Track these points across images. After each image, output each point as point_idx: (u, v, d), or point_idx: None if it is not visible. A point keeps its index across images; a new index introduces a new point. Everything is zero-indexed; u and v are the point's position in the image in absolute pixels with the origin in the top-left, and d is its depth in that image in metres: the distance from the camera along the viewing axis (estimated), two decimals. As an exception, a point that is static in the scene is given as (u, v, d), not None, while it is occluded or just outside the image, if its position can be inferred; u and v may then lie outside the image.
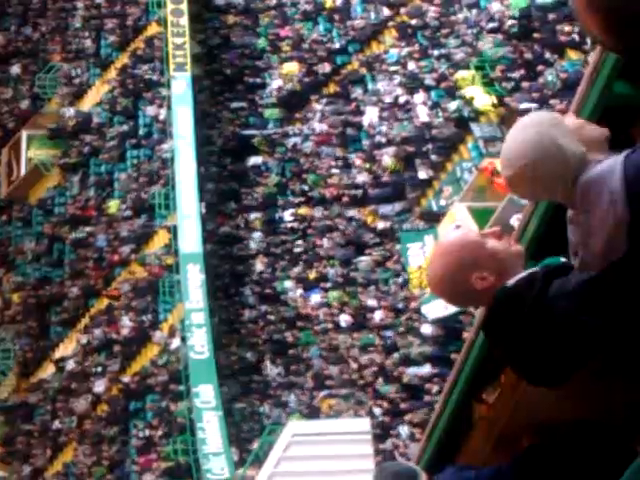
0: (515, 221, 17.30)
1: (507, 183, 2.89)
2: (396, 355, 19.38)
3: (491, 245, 2.86)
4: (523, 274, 2.86)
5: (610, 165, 2.69)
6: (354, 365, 19.97)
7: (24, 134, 27.67)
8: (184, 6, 26.16)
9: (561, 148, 2.75)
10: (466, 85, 20.64)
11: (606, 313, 2.69)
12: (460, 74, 20.83)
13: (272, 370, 21.21)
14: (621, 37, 2.41)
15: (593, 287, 2.70)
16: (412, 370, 18.89)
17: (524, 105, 19.57)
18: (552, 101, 19.42)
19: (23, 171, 27.36)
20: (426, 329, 19.15)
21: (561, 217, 2.87)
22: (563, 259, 2.98)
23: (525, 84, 20.16)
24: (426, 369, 18.75)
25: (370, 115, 22.49)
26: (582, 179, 2.72)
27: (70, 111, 27.18)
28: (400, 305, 19.97)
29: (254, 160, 24.15)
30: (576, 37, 19.92)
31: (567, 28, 19.99)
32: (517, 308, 2.78)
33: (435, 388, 18.00)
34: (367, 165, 21.96)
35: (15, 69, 29.49)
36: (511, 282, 2.84)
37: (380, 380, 19.39)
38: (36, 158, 27.21)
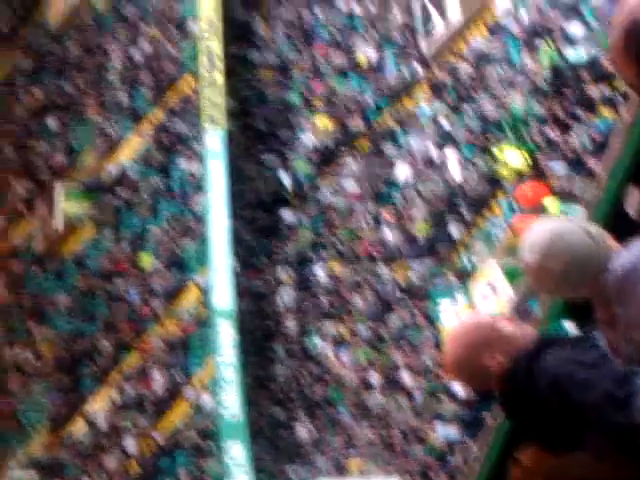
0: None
1: (532, 279, 2.99)
2: (426, 415, 19.19)
3: (504, 328, 2.94)
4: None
5: None
6: (383, 424, 19.79)
7: (59, 187, 27.91)
8: (218, 61, 26.37)
9: (588, 247, 2.78)
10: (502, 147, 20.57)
11: None
12: (499, 143, 20.70)
13: (301, 428, 21.08)
14: None
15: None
16: (442, 430, 18.70)
17: (555, 163, 19.50)
18: (584, 158, 19.32)
19: (57, 225, 27.56)
20: (457, 388, 18.97)
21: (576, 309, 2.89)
22: (567, 324, 3.04)
23: (557, 141, 20.07)
24: (456, 429, 18.55)
25: (402, 171, 22.48)
26: (613, 271, 2.69)
27: (107, 166, 27.44)
28: (430, 363, 19.80)
29: (286, 215, 24.19)
30: (609, 94, 19.84)
31: (599, 85, 19.92)
32: (512, 384, 2.87)
33: (466, 449, 17.79)
34: (398, 221, 21.91)
35: (51, 122, 29.84)
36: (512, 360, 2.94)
37: (409, 440, 19.20)
38: (70, 212, 27.40)
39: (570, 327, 3.02)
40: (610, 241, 2.86)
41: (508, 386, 2.88)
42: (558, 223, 2.99)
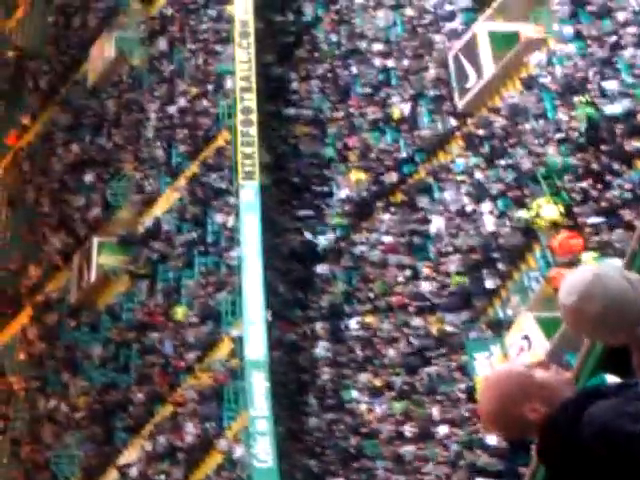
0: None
1: (569, 321, 2.97)
2: (462, 468, 19.01)
3: (540, 375, 2.88)
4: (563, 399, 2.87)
5: None
6: (419, 477, 19.61)
7: (95, 241, 28.15)
8: (254, 116, 26.63)
9: (627, 292, 2.79)
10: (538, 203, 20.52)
11: None
12: (534, 196, 20.66)
13: (336, 480, 20.92)
14: None
15: None
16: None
17: (592, 217, 19.47)
18: (620, 212, 19.29)
19: (93, 277, 27.75)
20: (492, 440, 18.80)
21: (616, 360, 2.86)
22: (609, 377, 2.97)
23: (592, 194, 20.06)
24: (492, 482, 18.36)
25: (437, 224, 22.52)
26: None
27: (142, 219, 27.68)
28: (466, 415, 19.66)
29: (321, 268, 24.23)
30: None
31: (635, 138, 19.94)
32: (555, 435, 2.79)
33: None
34: (433, 274, 21.90)
35: (88, 177, 30.17)
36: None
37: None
38: (106, 264, 27.60)
39: (611, 380, 2.97)
40: None
41: (548, 435, 2.81)
42: (597, 267, 3.01)
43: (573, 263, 18.72)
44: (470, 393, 20.02)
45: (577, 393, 2.86)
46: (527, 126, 22.00)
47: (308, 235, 24.62)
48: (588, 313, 2.84)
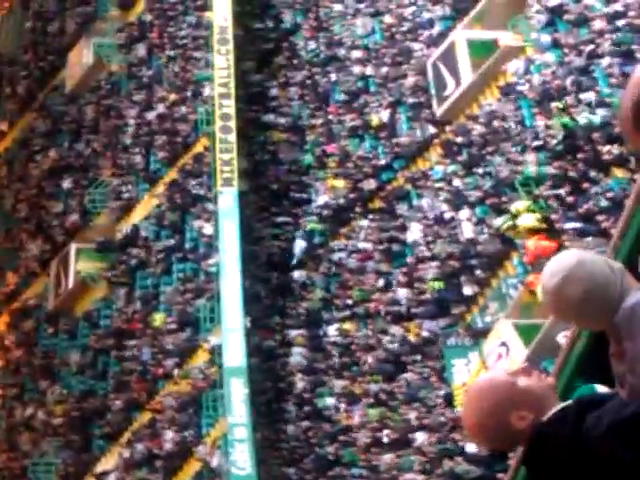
0: (562, 338, 17.13)
1: (550, 305, 2.94)
2: (439, 474, 19.04)
3: (523, 383, 2.85)
4: (556, 409, 2.84)
5: None
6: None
7: (73, 247, 28.06)
8: (232, 123, 26.64)
9: (609, 278, 2.78)
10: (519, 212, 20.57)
11: None
12: (516, 205, 20.72)
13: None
14: None
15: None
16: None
17: (569, 224, 19.57)
18: (598, 218, 19.38)
19: (71, 284, 27.66)
20: (471, 448, 18.84)
21: (596, 360, 2.87)
22: (599, 387, 2.96)
23: (570, 202, 20.16)
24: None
25: (414, 232, 22.56)
26: (625, 305, 2.71)
27: (120, 226, 27.61)
28: (444, 423, 19.70)
29: (299, 275, 24.23)
30: (621, 155, 19.96)
31: (611, 147, 20.06)
32: (553, 445, 2.76)
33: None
34: (411, 281, 21.94)
35: (66, 184, 30.08)
36: (545, 418, 2.82)
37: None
38: (84, 271, 27.52)
39: (601, 389, 2.96)
40: (629, 278, 2.89)
41: (542, 445, 2.77)
42: (581, 252, 2.99)
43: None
44: (448, 400, 20.09)
45: (574, 402, 2.84)
46: (505, 134, 22.10)
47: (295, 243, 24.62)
48: (570, 296, 2.83)
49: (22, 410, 26.30)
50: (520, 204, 20.57)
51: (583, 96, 20.92)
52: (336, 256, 23.85)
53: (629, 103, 2.59)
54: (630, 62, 20.43)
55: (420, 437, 19.94)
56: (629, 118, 2.59)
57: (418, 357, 21.03)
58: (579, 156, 20.36)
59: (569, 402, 2.87)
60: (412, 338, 21.38)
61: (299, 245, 24.49)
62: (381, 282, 22.58)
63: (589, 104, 20.79)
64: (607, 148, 20.03)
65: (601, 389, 2.94)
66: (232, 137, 26.45)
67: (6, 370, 27.99)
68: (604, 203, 19.58)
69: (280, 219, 25.45)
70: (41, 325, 27.95)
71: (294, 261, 24.25)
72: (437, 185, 22.82)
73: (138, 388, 24.31)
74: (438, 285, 21.36)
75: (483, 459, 18.66)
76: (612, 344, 2.81)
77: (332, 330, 22.76)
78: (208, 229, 25.68)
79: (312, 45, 27.77)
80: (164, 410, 23.37)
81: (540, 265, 19.14)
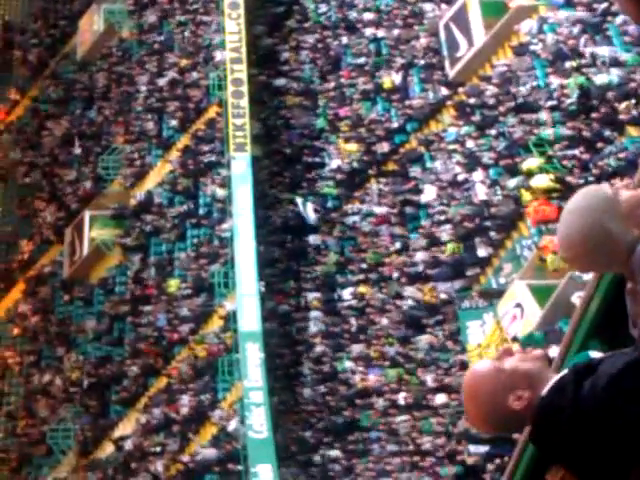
0: (576, 298, 17.08)
1: (565, 261, 2.93)
2: (456, 435, 19.10)
3: (508, 363, 2.85)
4: (553, 381, 2.82)
5: None
6: (414, 447, 19.69)
7: (87, 215, 28.10)
8: (244, 88, 26.54)
9: (611, 236, 2.73)
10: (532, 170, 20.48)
11: None
12: (528, 163, 20.64)
13: (331, 451, 20.99)
14: None
15: None
16: (473, 449, 18.59)
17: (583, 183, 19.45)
18: (612, 180, 19.27)
19: (85, 251, 27.72)
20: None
21: (623, 293, 2.84)
22: (593, 353, 2.94)
23: (585, 161, 20.06)
24: (486, 448, 18.44)
25: (428, 194, 22.50)
26: (638, 250, 2.69)
27: (134, 193, 27.62)
28: (459, 384, 19.71)
29: (313, 239, 24.23)
30: (636, 114, 19.83)
31: (626, 105, 19.92)
32: (556, 417, 2.74)
33: (498, 467, 17.68)
34: (425, 243, 21.91)
35: (78, 151, 30.07)
36: (544, 392, 2.81)
37: (441, 461, 19.10)
38: (98, 238, 27.56)
39: (596, 355, 2.94)
40: None
41: (546, 419, 2.76)
42: (603, 190, 2.88)
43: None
44: (463, 361, 20.09)
45: (569, 371, 2.82)
46: (518, 94, 21.95)
47: (299, 205, 24.60)
48: (582, 233, 2.76)
49: (40, 377, 26.45)
50: (533, 161, 20.47)
51: (597, 53, 20.75)
52: (350, 220, 23.81)
53: None
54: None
55: (437, 399, 19.98)
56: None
57: (433, 319, 21.03)
58: (593, 115, 20.23)
59: (565, 372, 2.85)
60: (427, 300, 21.36)
61: (309, 208, 24.46)
62: (395, 245, 22.55)
63: (603, 63, 20.64)
64: (622, 105, 19.89)
65: (596, 355, 2.93)
66: (244, 102, 26.36)
67: (23, 338, 28.13)
68: (618, 163, 19.47)
69: (294, 183, 25.41)
70: (57, 292, 28.05)
71: (311, 222, 24.20)
72: (450, 147, 22.71)
73: (152, 353, 24.37)
74: (453, 248, 21.32)
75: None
76: (629, 282, 2.80)
77: (347, 294, 22.77)
78: (222, 194, 25.67)
79: (323, 8, 27.61)
80: (180, 375, 23.46)
81: (552, 230, 19.10)
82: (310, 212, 24.54)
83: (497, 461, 17.81)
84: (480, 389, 2.84)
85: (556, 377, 2.83)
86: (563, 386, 2.77)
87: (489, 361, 2.89)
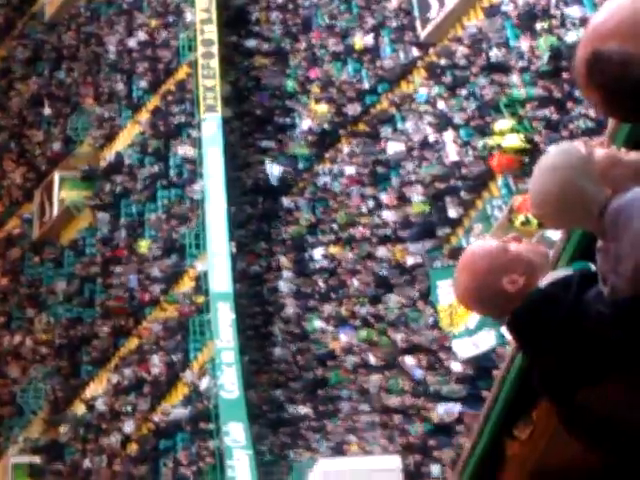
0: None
1: (537, 218, 2.93)
2: (426, 394, 19.24)
3: (514, 247, 2.85)
4: (558, 275, 2.83)
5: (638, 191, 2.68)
6: (383, 404, 19.84)
7: (56, 176, 27.95)
8: (215, 49, 26.41)
9: (585, 194, 2.74)
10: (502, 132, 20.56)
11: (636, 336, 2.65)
12: (499, 125, 20.69)
13: (301, 410, 21.12)
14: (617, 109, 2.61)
15: (629, 308, 2.68)
16: (442, 408, 18.76)
17: (552, 143, 19.56)
18: (582, 139, 19.36)
19: (55, 212, 27.59)
20: (456, 367, 19.03)
21: (593, 251, 2.86)
22: (594, 266, 2.96)
23: (555, 122, 20.15)
24: (456, 407, 18.61)
25: (399, 154, 22.53)
26: (611, 207, 2.71)
27: (104, 154, 27.48)
28: (430, 343, 19.86)
29: (284, 200, 24.23)
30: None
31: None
32: (552, 309, 2.76)
33: (465, 425, 17.86)
34: (396, 204, 21.97)
35: (47, 112, 29.85)
36: (544, 283, 2.82)
37: (409, 418, 19.26)
38: (68, 199, 27.44)
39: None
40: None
41: (542, 310, 2.77)
42: (576, 148, 2.88)
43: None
44: (434, 321, 20.23)
45: (577, 272, 2.83)
46: (489, 55, 21.97)
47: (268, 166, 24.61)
48: (550, 193, 2.74)
49: (10, 338, 26.39)
50: (503, 123, 20.55)
51: (568, 14, 20.80)
52: (321, 180, 23.83)
53: (582, 58, 2.53)
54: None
55: (406, 358, 20.10)
56: (583, 74, 2.54)
57: (404, 279, 21.12)
58: (564, 76, 20.29)
59: (569, 271, 2.87)
60: (397, 260, 21.44)
61: (274, 169, 24.47)
62: (366, 205, 22.60)
63: (573, 24, 20.69)
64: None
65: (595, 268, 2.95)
66: (214, 63, 26.25)
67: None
68: (588, 124, 19.57)
69: (264, 144, 25.36)
70: (26, 254, 27.93)
71: (274, 183, 24.22)
72: (421, 108, 22.73)
73: (125, 314, 24.37)
74: (424, 207, 21.39)
75: (468, 378, 18.85)
76: (599, 240, 2.81)
77: (318, 254, 22.82)
78: (192, 155, 25.59)
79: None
80: (151, 335, 23.49)
81: (522, 190, 19.23)
82: (275, 172, 24.53)
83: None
84: (478, 262, 2.84)
85: (559, 273, 2.85)
86: (569, 283, 2.78)
87: (496, 240, 2.89)
